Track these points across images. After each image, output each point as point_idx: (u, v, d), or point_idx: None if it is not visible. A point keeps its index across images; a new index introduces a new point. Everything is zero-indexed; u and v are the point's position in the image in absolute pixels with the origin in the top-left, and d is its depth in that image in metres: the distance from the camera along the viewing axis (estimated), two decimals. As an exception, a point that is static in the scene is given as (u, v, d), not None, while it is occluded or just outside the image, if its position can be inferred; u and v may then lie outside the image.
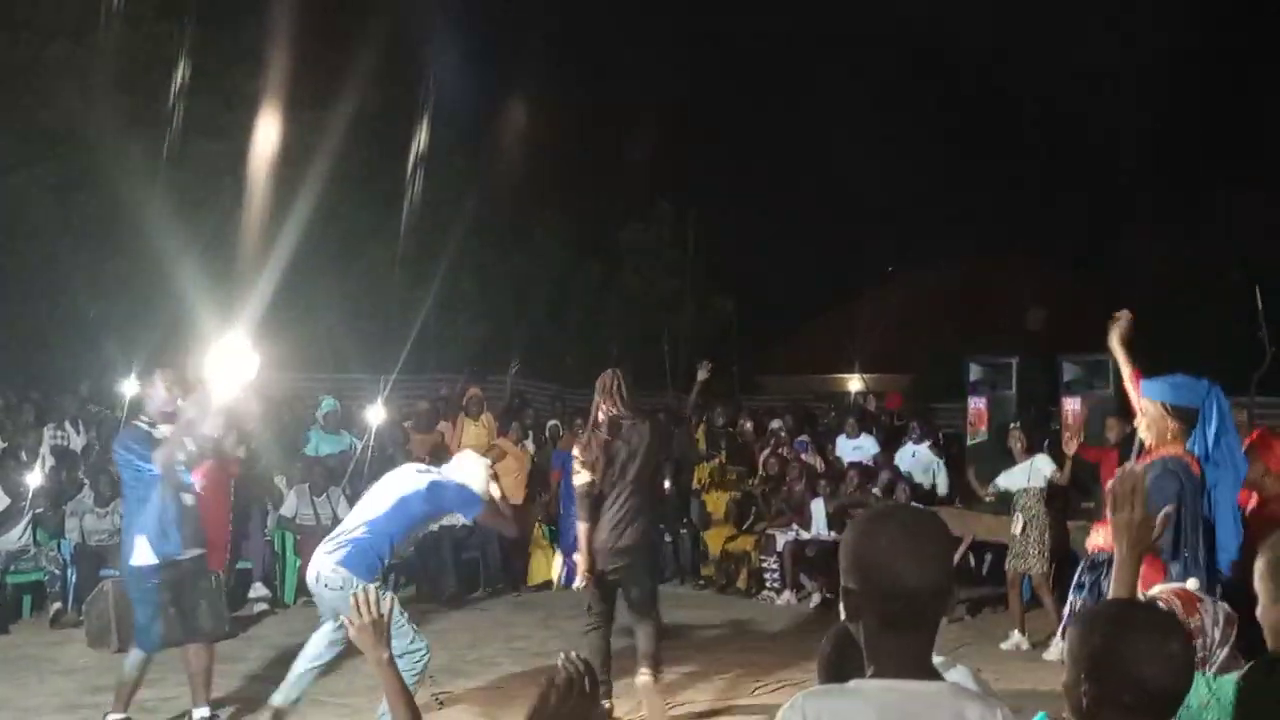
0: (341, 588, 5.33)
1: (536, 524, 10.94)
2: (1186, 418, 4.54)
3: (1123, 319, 5.05)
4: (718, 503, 11.27)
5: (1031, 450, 8.47)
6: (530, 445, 11.92)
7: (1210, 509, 4.53)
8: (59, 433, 10.51)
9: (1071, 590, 4.86)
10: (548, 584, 10.26)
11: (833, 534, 10.07)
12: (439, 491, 5.73)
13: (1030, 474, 8.29)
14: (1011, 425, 8.82)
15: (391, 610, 5.41)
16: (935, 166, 25.34)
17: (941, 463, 11.11)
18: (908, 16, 23.96)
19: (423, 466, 6.15)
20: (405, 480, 5.79)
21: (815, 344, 24.71)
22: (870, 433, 12.00)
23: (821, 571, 9.79)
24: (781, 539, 10.33)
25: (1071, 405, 10.19)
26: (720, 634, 8.74)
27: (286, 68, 16.56)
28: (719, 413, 12.81)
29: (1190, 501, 4.44)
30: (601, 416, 6.06)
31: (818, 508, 10.36)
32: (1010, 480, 8.50)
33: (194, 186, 15.43)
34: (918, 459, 11.08)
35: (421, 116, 18.18)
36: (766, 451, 11.69)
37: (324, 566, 5.52)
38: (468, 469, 5.90)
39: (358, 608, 2.83)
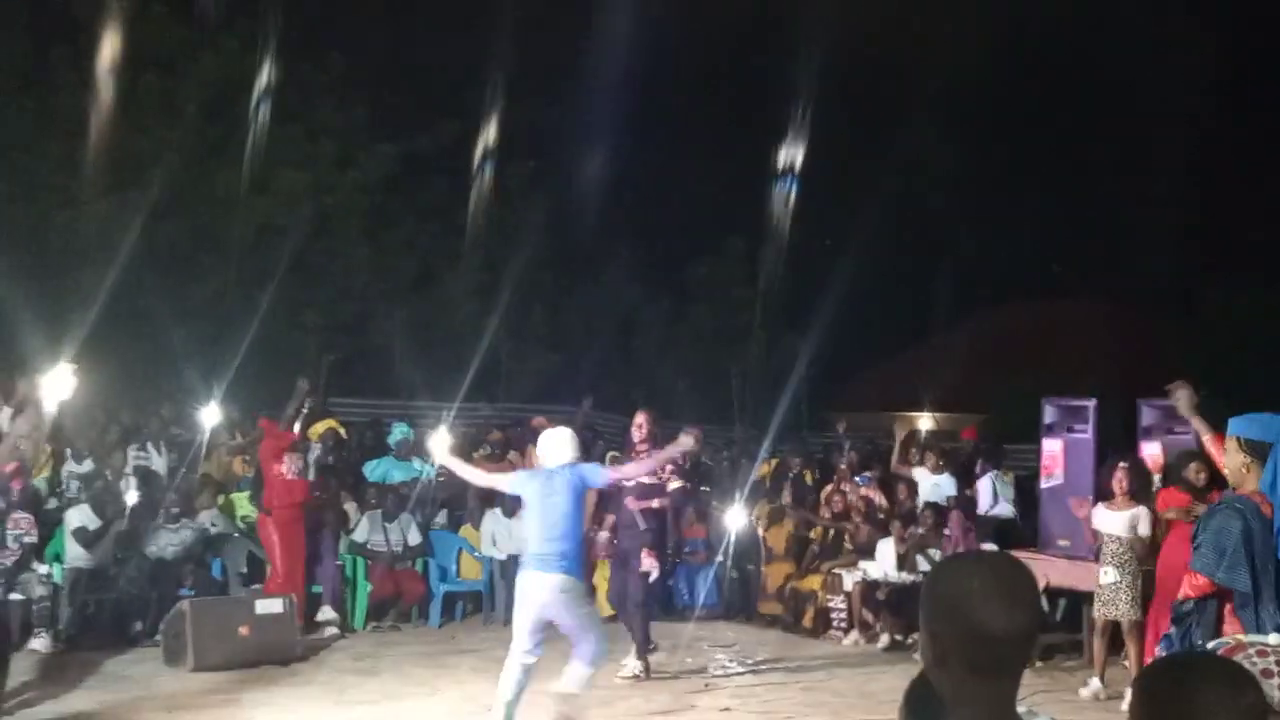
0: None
1: (601, 560, 10.84)
2: (1259, 452, 4.46)
3: (1177, 389, 5.23)
4: (777, 538, 11.17)
5: (1134, 497, 7.90)
6: None
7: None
8: (141, 454, 10.74)
9: (1159, 644, 4.75)
10: (612, 617, 10.20)
11: (903, 575, 9.92)
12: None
13: (1130, 523, 7.78)
14: (1120, 464, 8.34)
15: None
16: (1014, 204, 25.09)
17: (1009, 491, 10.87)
18: (989, 51, 23.80)
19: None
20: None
21: (886, 382, 24.49)
22: (951, 472, 11.78)
23: (893, 612, 9.64)
24: (849, 579, 10.20)
25: (1151, 450, 9.90)
26: (785, 673, 8.65)
27: (366, 101, 17.02)
28: (788, 450, 12.69)
29: (1260, 542, 4.33)
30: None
31: (886, 547, 10.22)
32: (1107, 524, 7.89)
33: (275, 214, 15.80)
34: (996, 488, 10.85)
35: (496, 149, 18.47)
36: (830, 487, 11.55)
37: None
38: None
39: None
